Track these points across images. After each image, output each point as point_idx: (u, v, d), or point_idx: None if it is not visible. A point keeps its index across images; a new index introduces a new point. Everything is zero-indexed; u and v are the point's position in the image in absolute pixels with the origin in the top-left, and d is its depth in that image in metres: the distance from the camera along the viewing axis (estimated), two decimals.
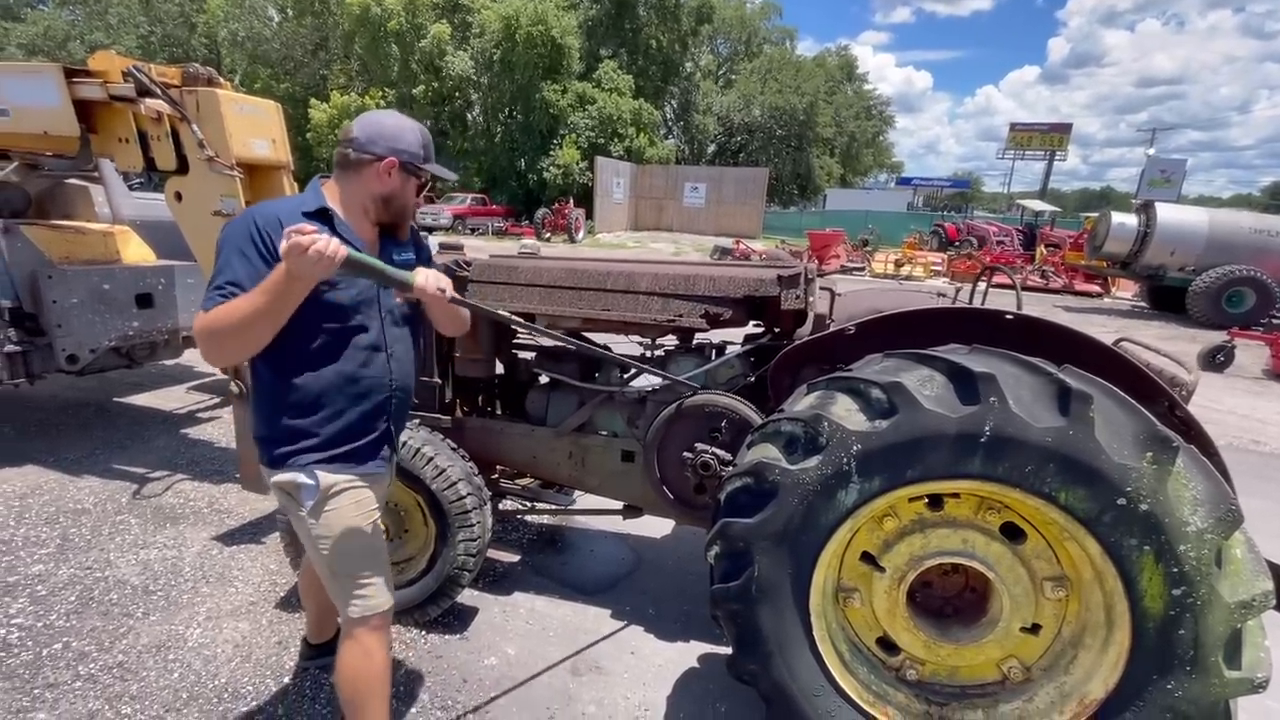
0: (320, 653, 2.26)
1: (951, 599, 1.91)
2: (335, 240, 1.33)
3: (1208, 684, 1.48)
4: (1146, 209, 12.45)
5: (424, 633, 2.49)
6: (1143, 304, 13.86)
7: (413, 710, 2.12)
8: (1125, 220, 12.50)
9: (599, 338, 2.94)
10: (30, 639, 2.35)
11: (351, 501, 1.63)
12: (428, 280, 1.58)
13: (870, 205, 37.79)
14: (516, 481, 3.12)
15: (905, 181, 52.30)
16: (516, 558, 3.11)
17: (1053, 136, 45.23)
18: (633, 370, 2.55)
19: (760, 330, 2.71)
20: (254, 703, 2.11)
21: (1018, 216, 29.72)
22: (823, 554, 1.73)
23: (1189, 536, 1.45)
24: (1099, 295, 15.20)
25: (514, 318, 2.15)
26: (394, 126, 1.61)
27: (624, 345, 2.80)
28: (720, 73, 43.32)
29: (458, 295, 1.73)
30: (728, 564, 1.81)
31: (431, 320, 1.83)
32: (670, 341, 2.74)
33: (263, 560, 2.95)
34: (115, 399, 5.16)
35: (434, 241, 3.33)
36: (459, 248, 3.00)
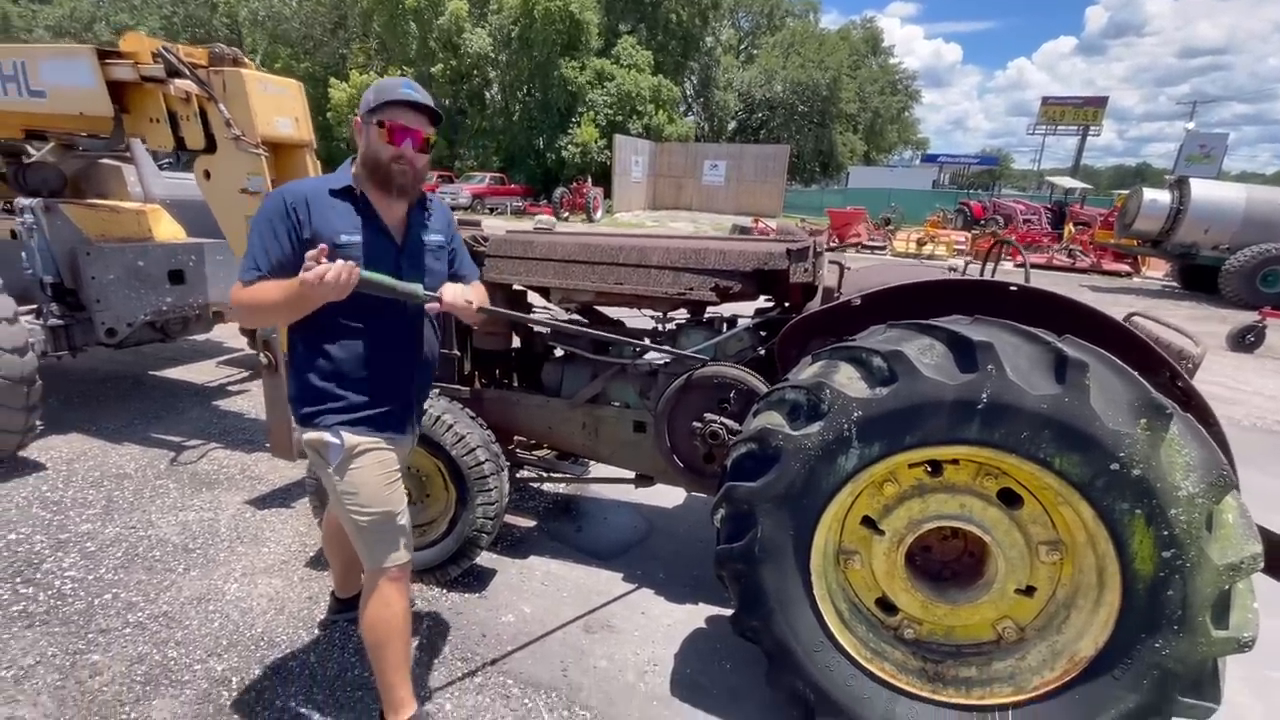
0: (347, 607, 2.39)
1: (950, 563, 1.97)
2: (349, 266, 1.46)
3: (1195, 643, 1.53)
4: (1180, 185, 12.08)
5: (445, 591, 2.62)
6: (1173, 283, 13.52)
7: (435, 660, 2.25)
8: (1157, 197, 12.14)
9: (613, 311, 3.02)
10: (82, 590, 2.53)
11: (375, 461, 1.74)
12: (455, 295, 1.68)
13: (894, 183, 37.02)
14: (533, 452, 3.24)
15: (931, 159, 50.97)
16: (532, 524, 3.23)
17: (1087, 111, 43.67)
18: (644, 345, 2.62)
19: (770, 304, 2.75)
20: (288, 650, 2.26)
21: (1047, 194, 28.95)
22: (823, 516, 1.80)
23: (1180, 501, 1.49)
24: (1128, 275, 14.84)
25: (545, 320, 2.30)
26: (365, 93, 1.67)
27: (637, 319, 2.87)
28: (742, 48, 42.46)
29: (486, 305, 1.82)
30: (732, 526, 1.88)
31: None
32: (682, 315, 2.80)
33: (293, 523, 3.11)
34: (150, 372, 5.38)
35: None
36: (476, 224, 3.07)
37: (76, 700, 1.99)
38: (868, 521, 1.90)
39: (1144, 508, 1.52)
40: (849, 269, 2.53)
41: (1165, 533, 1.51)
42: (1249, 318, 8.01)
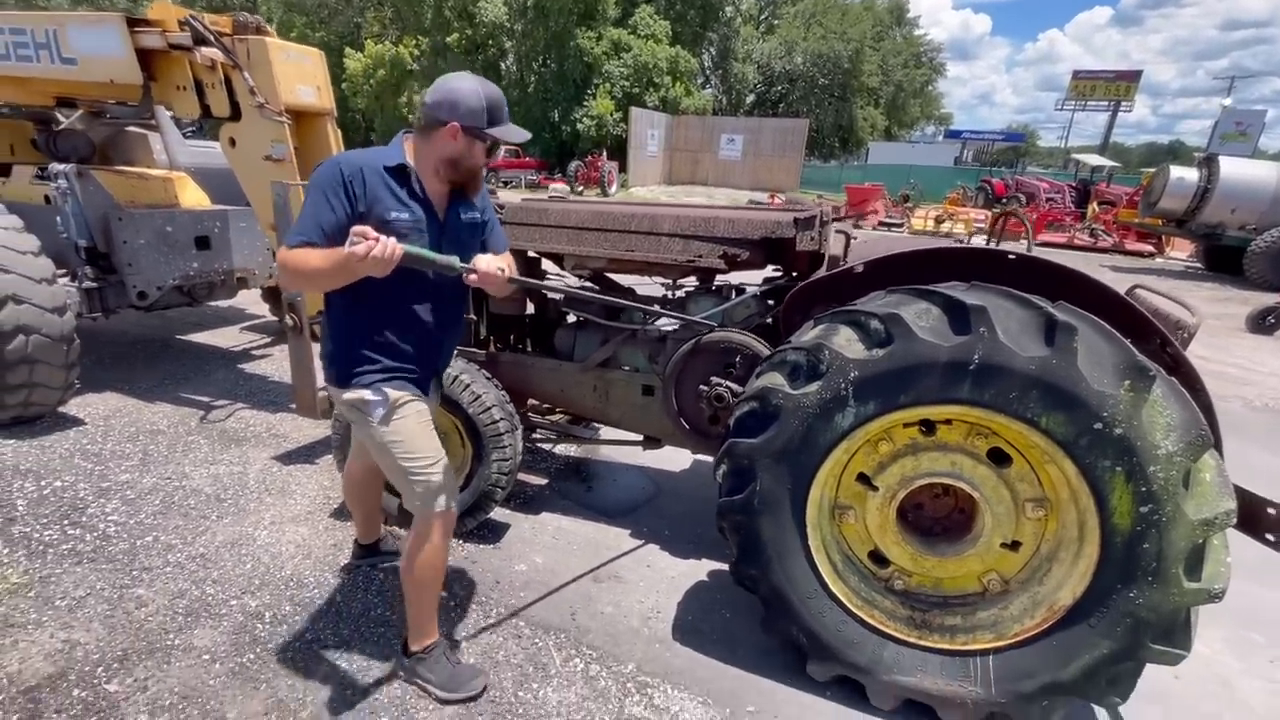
0: (369, 552, 2.55)
1: (941, 519, 2.06)
2: (392, 241, 1.55)
3: (1167, 593, 1.62)
4: (1209, 163, 11.79)
5: (461, 542, 2.77)
6: (1197, 265, 13.28)
7: (452, 604, 2.39)
8: (1184, 175, 11.88)
9: (624, 280, 3.10)
10: (125, 533, 2.70)
11: (415, 412, 1.86)
12: (489, 265, 1.76)
13: (915, 159, 36.33)
14: (547, 417, 3.36)
15: (954, 135, 49.71)
16: (544, 482, 3.36)
17: (1119, 85, 42.23)
18: (654, 310, 2.71)
19: (779, 274, 2.82)
20: (315, 591, 2.42)
21: (1072, 172, 28.28)
22: (820, 472, 1.89)
23: (1159, 459, 1.57)
24: (1151, 255, 14.57)
25: (573, 290, 2.43)
26: (458, 91, 1.69)
27: (648, 287, 2.95)
28: (762, 18, 41.49)
29: (517, 276, 1.90)
30: (733, 480, 1.99)
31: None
32: (691, 283, 2.87)
33: (317, 478, 3.27)
34: (177, 336, 5.57)
35: None
36: (492, 192, 3.15)
37: (125, 627, 2.17)
38: (863, 478, 1.99)
39: (1125, 465, 1.60)
40: (855, 238, 2.58)
41: (1144, 489, 1.59)
42: (1272, 300, 7.90)
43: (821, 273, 2.47)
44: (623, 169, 25.65)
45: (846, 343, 1.82)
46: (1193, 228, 12.03)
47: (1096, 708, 2.06)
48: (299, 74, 3.47)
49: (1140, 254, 14.59)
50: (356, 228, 1.55)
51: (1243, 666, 2.31)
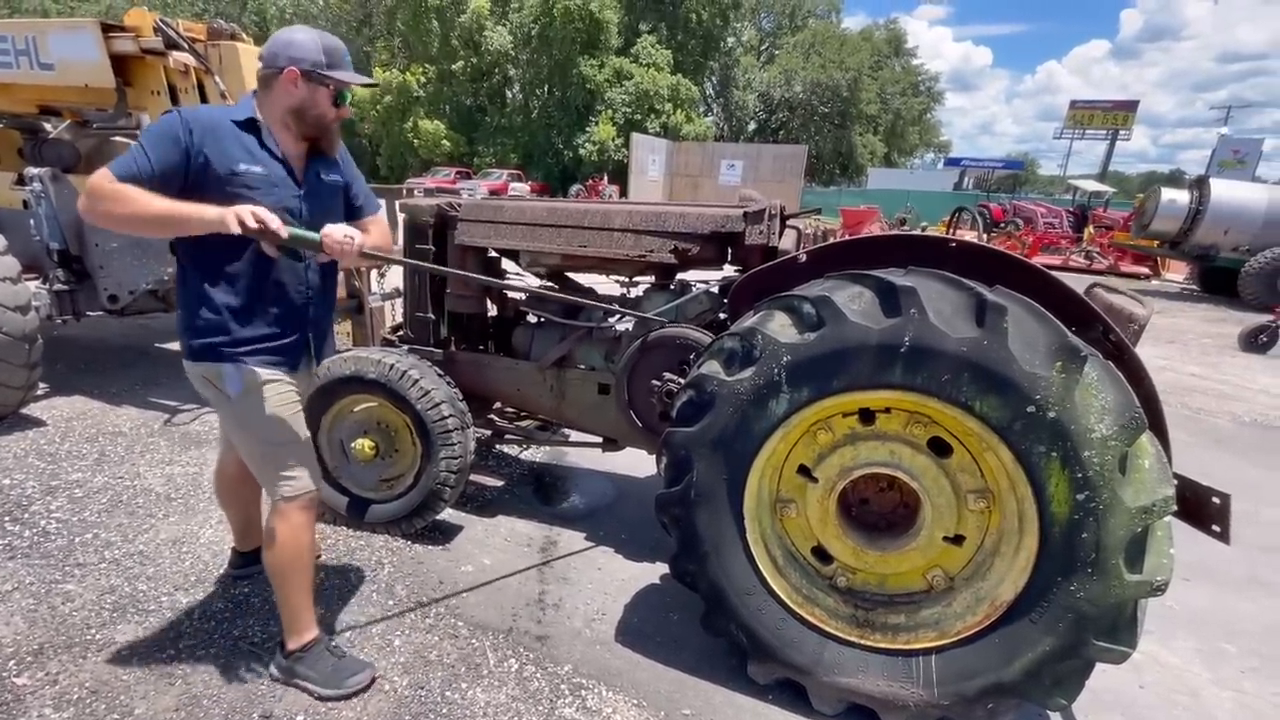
0: (248, 561, 2.32)
1: (886, 515, 1.99)
2: (274, 220, 1.56)
3: (1108, 585, 1.54)
4: (1200, 185, 11.83)
5: (409, 543, 2.70)
6: (1193, 286, 13.22)
7: (391, 603, 2.32)
8: (1176, 197, 11.90)
9: (584, 279, 3.08)
10: (66, 529, 2.65)
11: (276, 392, 1.77)
12: (330, 233, 1.66)
13: (915, 185, 36.61)
14: (514, 422, 3.31)
15: (954, 162, 50.08)
16: (503, 485, 3.29)
17: (1116, 114, 42.69)
18: (603, 305, 2.67)
19: (740, 272, 2.79)
20: (250, 588, 2.34)
21: (1070, 198, 28.42)
22: (756, 461, 1.84)
23: (1094, 443, 1.51)
24: (1147, 277, 14.53)
25: (430, 266, 2.56)
26: (292, 37, 1.68)
27: (607, 286, 2.92)
28: (763, 48, 42.35)
29: (369, 250, 1.76)
30: (672, 471, 1.93)
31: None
32: (648, 280, 2.85)
33: None
34: (156, 344, 5.55)
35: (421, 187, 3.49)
36: (455, 192, 3.15)
37: (47, 621, 2.10)
38: (803, 471, 1.93)
39: (1059, 450, 1.54)
40: (807, 234, 2.55)
41: (1079, 475, 1.53)
42: (1265, 319, 7.82)
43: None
44: (624, 193, 25.93)
45: (780, 328, 1.78)
46: (1186, 249, 12.01)
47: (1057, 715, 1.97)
48: None
49: (1136, 276, 14.54)
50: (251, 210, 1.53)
51: (1213, 677, 2.20)
